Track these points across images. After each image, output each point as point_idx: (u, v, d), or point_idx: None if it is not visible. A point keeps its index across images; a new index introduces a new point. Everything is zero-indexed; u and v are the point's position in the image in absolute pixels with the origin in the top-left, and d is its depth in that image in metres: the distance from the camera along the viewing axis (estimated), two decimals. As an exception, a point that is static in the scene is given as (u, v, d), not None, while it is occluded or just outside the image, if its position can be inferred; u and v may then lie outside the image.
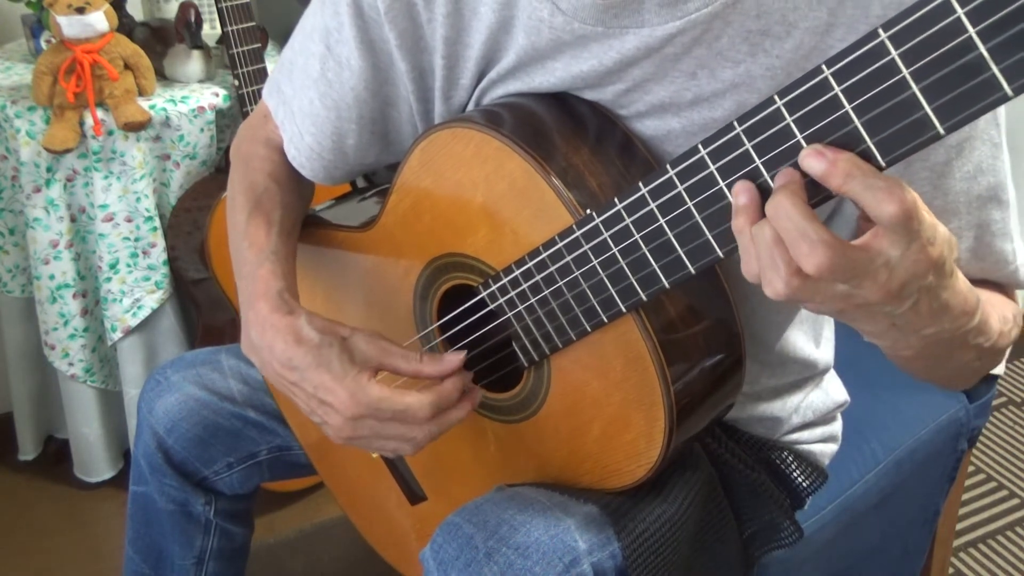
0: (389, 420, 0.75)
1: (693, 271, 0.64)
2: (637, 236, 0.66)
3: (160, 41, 1.62)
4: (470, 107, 0.81)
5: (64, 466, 1.82)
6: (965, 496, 1.79)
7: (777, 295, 0.57)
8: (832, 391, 0.99)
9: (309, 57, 0.85)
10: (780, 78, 0.68)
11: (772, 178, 0.57)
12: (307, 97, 0.86)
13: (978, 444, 1.90)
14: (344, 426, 0.76)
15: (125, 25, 1.61)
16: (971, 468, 1.87)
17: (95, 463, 1.77)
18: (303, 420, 1.01)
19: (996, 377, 1.24)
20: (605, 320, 0.71)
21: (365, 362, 0.77)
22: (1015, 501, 1.81)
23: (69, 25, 1.43)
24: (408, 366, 0.78)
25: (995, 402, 2.00)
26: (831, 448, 1.01)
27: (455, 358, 0.79)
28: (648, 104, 0.73)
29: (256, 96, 1.55)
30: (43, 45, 1.61)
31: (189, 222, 1.58)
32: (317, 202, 0.99)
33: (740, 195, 0.58)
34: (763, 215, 0.57)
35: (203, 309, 1.65)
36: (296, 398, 0.80)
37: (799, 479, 0.95)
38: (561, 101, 0.76)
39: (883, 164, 0.53)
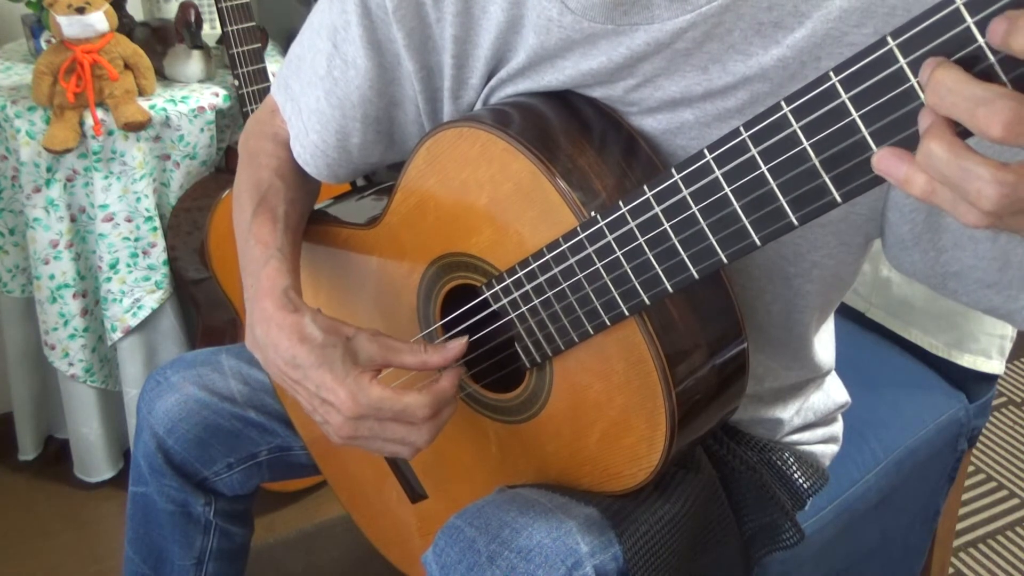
0: (389, 420, 0.75)
1: (696, 275, 0.64)
2: (641, 240, 0.65)
3: (160, 41, 1.62)
4: (478, 106, 0.81)
5: (64, 466, 1.82)
6: (965, 496, 1.79)
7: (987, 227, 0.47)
8: (833, 392, 0.99)
9: (316, 54, 0.85)
10: (793, 68, 0.67)
11: (776, 184, 0.57)
12: (313, 94, 0.86)
13: (978, 444, 1.89)
14: (344, 426, 0.76)
15: (125, 25, 1.61)
16: (971, 468, 1.87)
17: (95, 463, 1.77)
18: (307, 418, 1.01)
19: (996, 377, 1.24)
20: (607, 322, 0.70)
21: (369, 361, 0.77)
22: (1015, 501, 1.81)
23: (69, 25, 1.43)
24: (414, 359, 0.78)
25: (995, 402, 2.00)
26: (832, 449, 1.01)
27: (458, 344, 0.79)
28: (659, 100, 0.72)
29: (256, 96, 1.55)
30: (43, 45, 1.60)
31: (189, 222, 1.58)
32: (319, 201, 0.99)
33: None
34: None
35: (203, 309, 1.64)
36: (298, 396, 0.80)
37: (800, 480, 0.95)
38: (567, 101, 0.75)
39: None
